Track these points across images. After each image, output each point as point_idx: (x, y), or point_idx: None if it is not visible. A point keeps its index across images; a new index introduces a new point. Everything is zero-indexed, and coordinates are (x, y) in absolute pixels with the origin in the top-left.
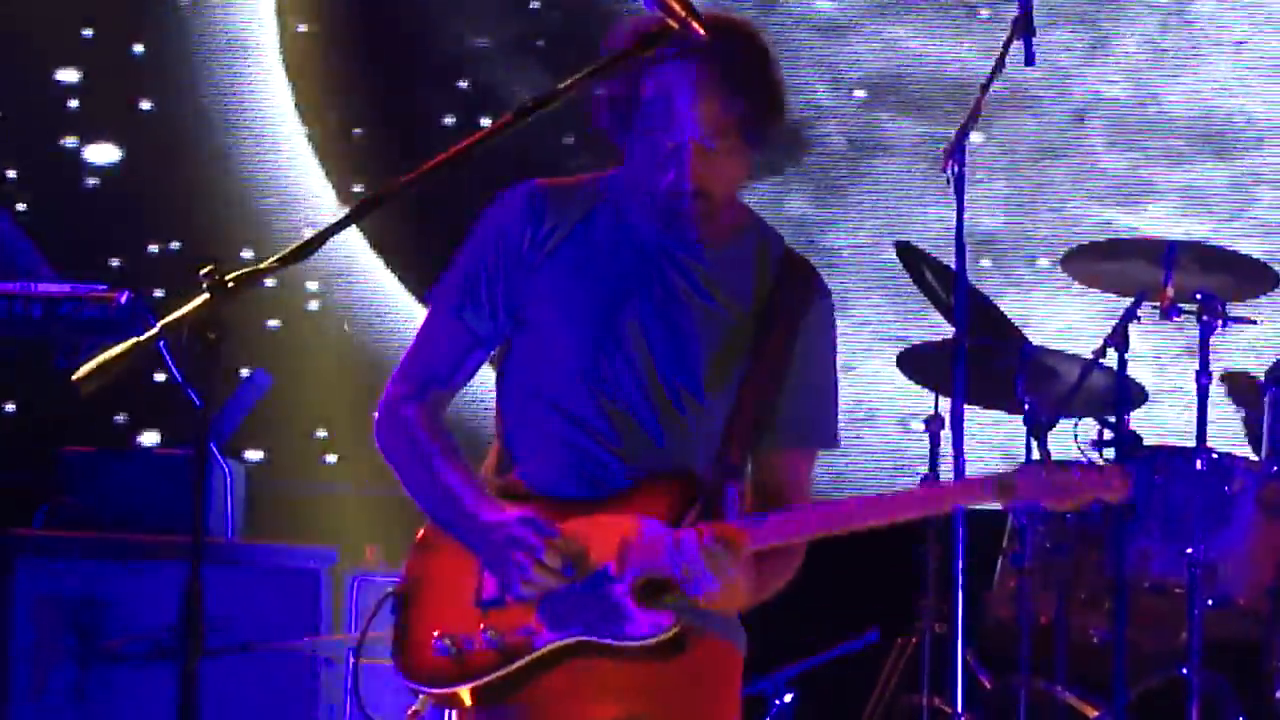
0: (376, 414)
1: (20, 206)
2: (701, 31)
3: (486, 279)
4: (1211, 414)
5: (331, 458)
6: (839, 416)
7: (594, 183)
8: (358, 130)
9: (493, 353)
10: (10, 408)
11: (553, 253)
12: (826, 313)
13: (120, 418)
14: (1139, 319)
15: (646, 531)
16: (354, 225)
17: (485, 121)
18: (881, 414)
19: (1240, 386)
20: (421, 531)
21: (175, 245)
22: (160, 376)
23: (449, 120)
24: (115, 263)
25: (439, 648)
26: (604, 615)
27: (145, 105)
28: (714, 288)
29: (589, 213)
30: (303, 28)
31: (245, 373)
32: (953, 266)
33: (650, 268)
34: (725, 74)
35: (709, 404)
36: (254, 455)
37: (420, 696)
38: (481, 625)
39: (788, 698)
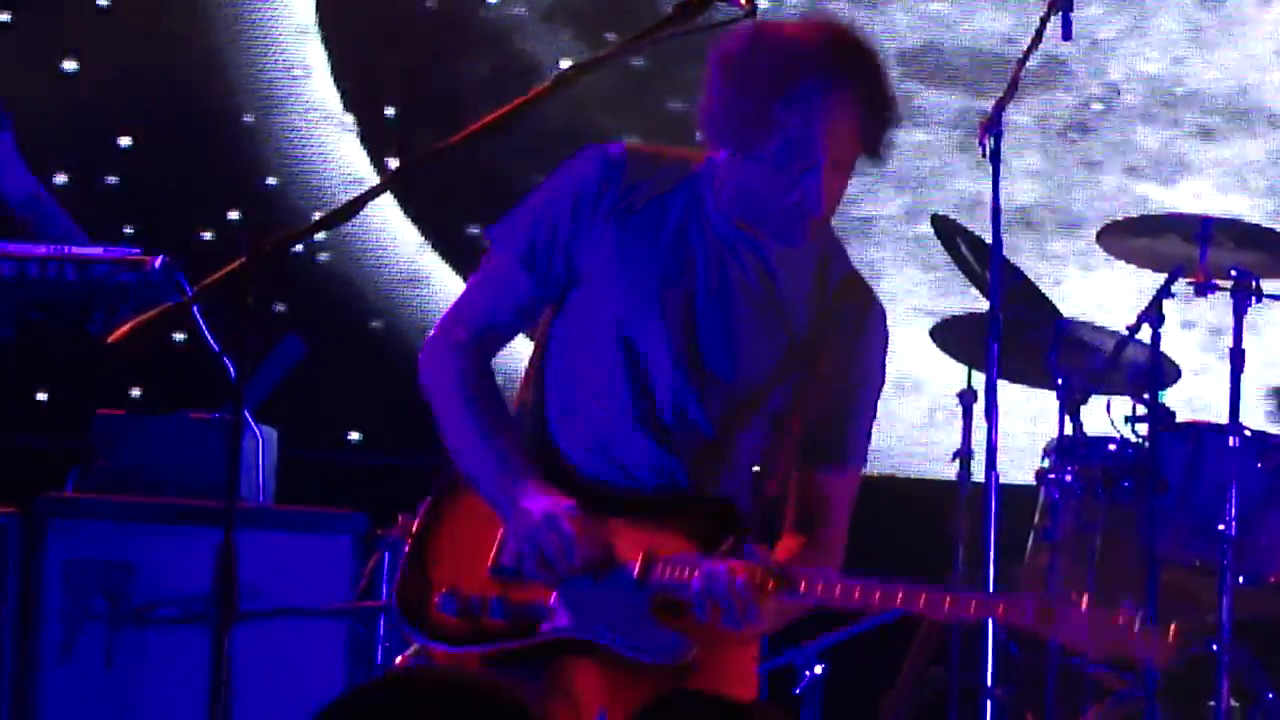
0: (426, 348)
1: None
2: (744, 1)
3: (555, 231)
4: (1245, 391)
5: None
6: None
7: (682, 162)
8: (392, 100)
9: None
10: (43, 370)
11: (622, 220)
12: (884, 335)
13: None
14: (1173, 295)
15: (678, 552)
16: (389, 191)
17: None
18: (914, 387)
19: None
20: (443, 478)
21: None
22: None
23: (484, 89)
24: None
25: (445, 605)
26: (624, 623)
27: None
28: (774, 292)
29: (668, 191)
30: None
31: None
32: (987, 239)
33: (715, 257)
34: (858, 104)
35: (747, 401)
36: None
37: (415, 645)
38: (494, 592)
39: (818, 669)
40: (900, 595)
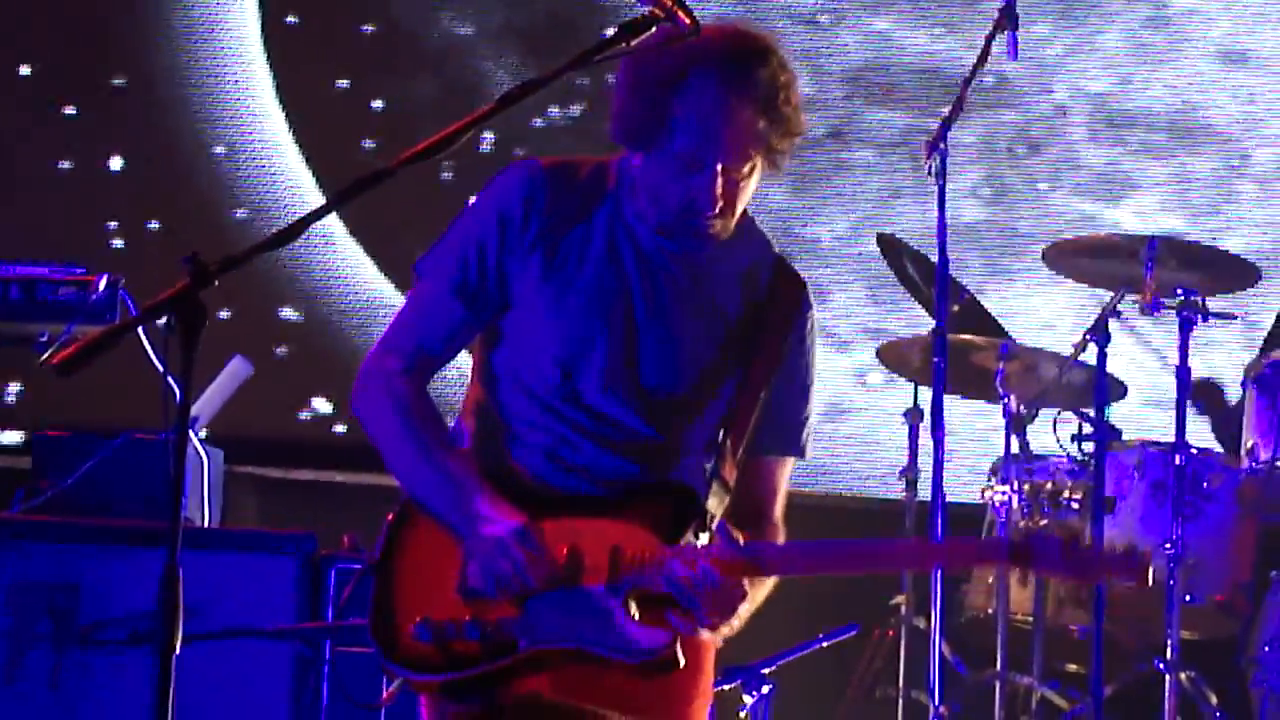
0: (358, 383)
1: None
2: (688, 21)
3: (482, 257)
4: (1190, 410)
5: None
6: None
7: (599, 172)
8: (342, 119)
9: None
10: None
11: (550, 240)
12: (813, 325)
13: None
14: (1120, 314)
15: (643, 546)
16: (335, 212)
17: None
18: (860, 406)
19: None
20: (399, 506)
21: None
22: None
23: (428, 109)
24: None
25: (420, 633)
26: (598, 626)
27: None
28: (707, 293)
29: (591, 205)
30: (289, 19)
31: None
32: (933, 258)
33: (645, 266)
34: (753, 101)
35: (695, 405)
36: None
37: (397, 680)
38: (466, 616)
39: (766, 689)
40: (875, 549)
